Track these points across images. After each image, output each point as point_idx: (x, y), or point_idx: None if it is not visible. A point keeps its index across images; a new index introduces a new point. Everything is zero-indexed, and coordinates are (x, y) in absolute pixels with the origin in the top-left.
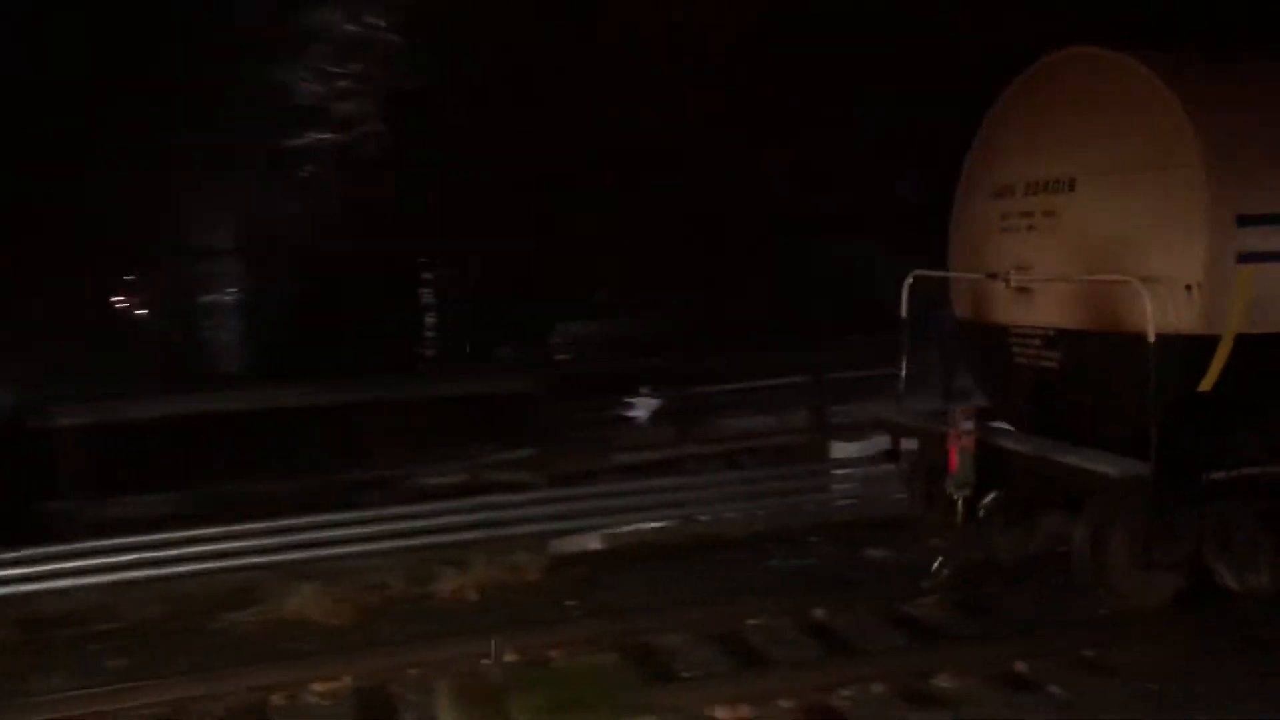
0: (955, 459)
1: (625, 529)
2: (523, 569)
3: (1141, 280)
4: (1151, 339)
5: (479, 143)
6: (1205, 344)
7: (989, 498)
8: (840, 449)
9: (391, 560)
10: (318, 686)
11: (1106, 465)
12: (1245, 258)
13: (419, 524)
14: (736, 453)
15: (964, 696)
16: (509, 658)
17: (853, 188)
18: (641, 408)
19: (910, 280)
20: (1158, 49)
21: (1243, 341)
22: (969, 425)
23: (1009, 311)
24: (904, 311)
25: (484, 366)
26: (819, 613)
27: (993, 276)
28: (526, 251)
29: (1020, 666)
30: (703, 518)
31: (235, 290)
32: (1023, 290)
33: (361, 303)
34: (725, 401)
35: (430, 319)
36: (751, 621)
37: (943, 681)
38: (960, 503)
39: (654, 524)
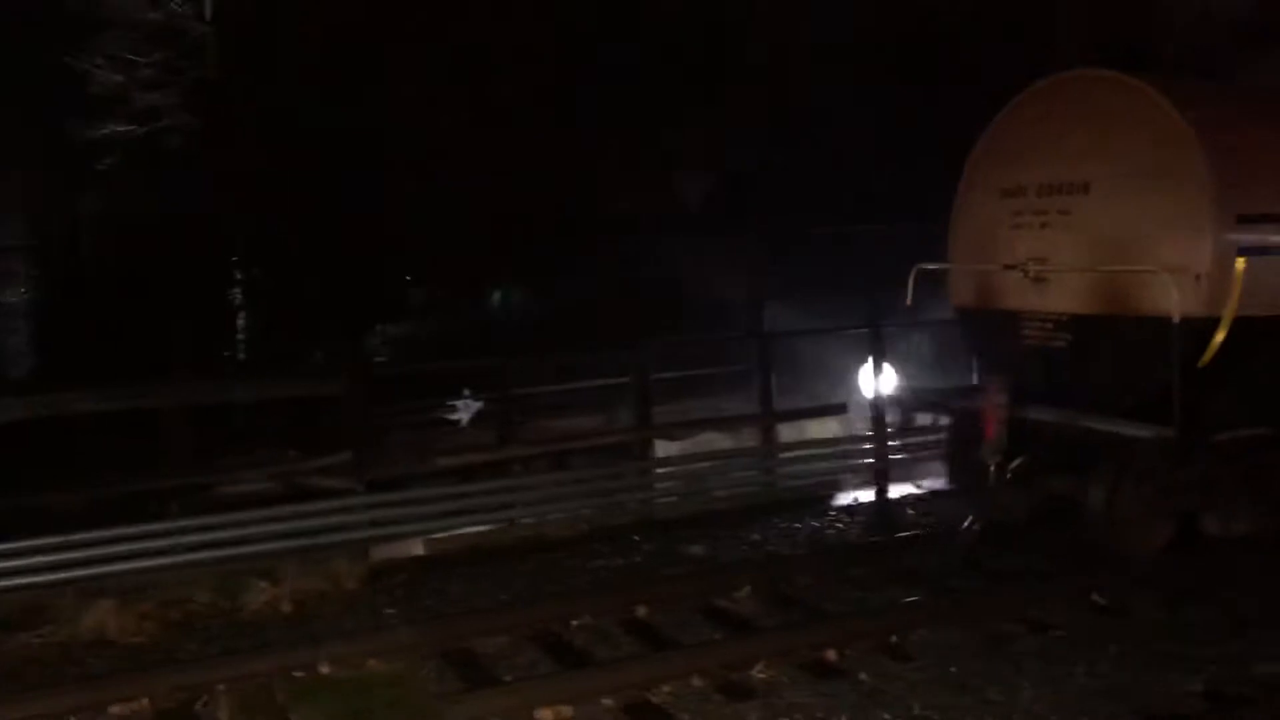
0: (992, 428)
1: (448, 533)
2: (340, 578)
3: (1153, 271)
4: (1177, 320)
5: (288, 138)
6: (1209, 325)
7: (1017, 462)
8: (663, 448)
9: (198, 573)
10: (115, 709)
11: (1137, 429)
12: (1242, 251)
13: (227, 534)
14: (561, 454)
15: (779, 686)
16: (324, 669)
17: (660, 194)
18: (463, 410)
19: (915, 271)
20: (1164, 76)
21: (1236, 322)
22: (1003, 398)
23: (1021, 299)
24: (909, 300)
25: (297, 369)
26: (641, 610)
27: (1009, 268)
28: (342, 250)
29: (831, 655)
30: (527, 520)
31: (26, 290)
32: (1037, 279)
33: (166, 303)
34: (549, 403)
35: (241, 320)
36: (575, 622)
37: (759, 672)
38: (993, 467)
39: (478, 527)
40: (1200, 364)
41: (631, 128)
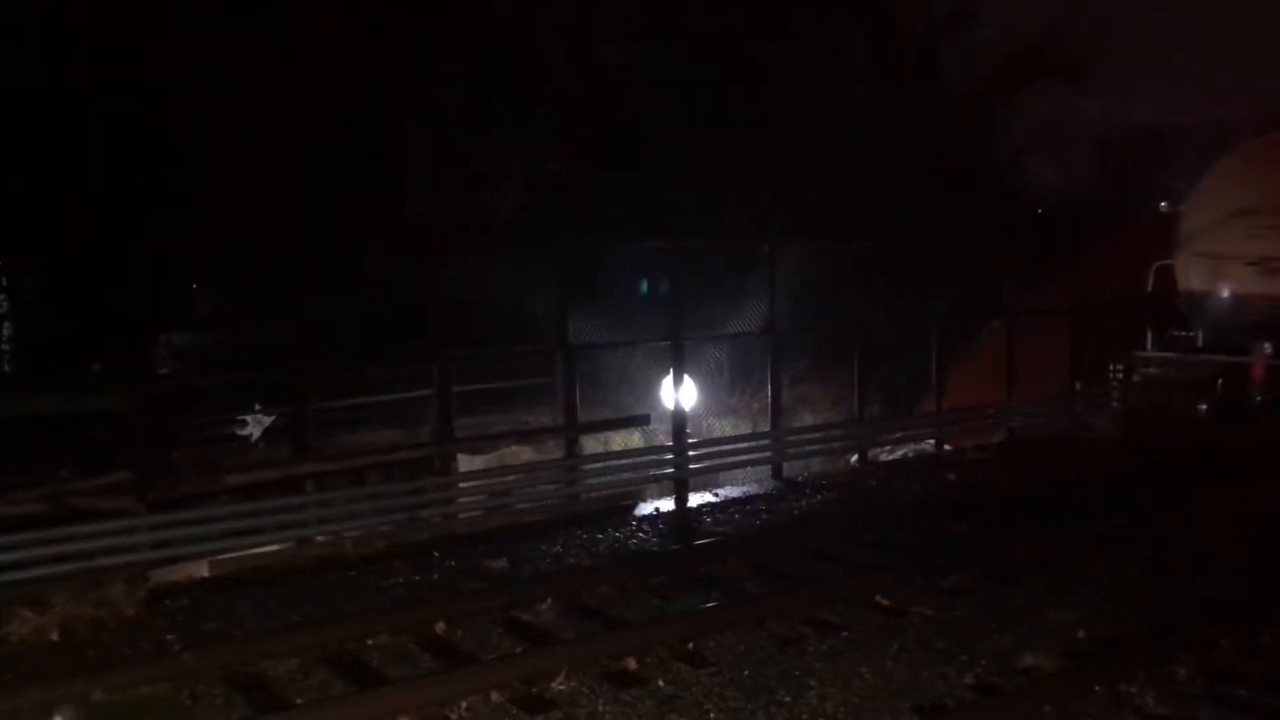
0: (1259, 373)
1: (236, 554)
2: (117, 603)
3: None
4: None
5: (60, 132)
6: None
7: (1272, 400)
8: (466, 462)
9: None
10: None
11: None
12: None
13: None
14: (359, 469)
15: (579, 697)
16: (96, 696)
17: (467, 206)
18: (254, 424)
19: (1155, 267)
20: None
21: None
22: (1270, 351)
23: (1250, 285)
24: (1149, 287)
25: (72, 382)
26: (440, 627)
27: (1250, 264)
28: (119, 256)
29: (631, 663)
30: (321, 538)
31: None
32: (1268, 272)
33: None
34: (347, 417)
35: (7, 330)
36: (371, 641)
37: (559, 684)
38: (1258, 399)
39: (269, 547)
40: None
41: (440, 141)
